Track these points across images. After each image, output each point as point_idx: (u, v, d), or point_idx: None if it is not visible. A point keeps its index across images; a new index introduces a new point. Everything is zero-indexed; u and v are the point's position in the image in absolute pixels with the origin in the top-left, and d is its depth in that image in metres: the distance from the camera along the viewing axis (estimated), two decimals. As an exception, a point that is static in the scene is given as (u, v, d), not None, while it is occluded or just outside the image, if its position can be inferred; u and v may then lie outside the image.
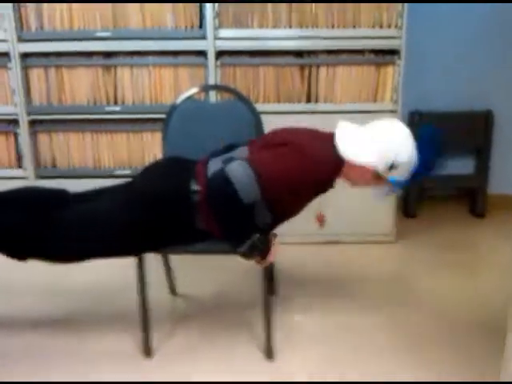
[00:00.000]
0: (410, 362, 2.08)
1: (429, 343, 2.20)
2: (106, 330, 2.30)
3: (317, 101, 3.00)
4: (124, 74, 2.94)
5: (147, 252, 2.05)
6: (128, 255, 2.03)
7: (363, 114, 2.91)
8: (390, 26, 2.91)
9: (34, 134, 3.00)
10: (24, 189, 2.14)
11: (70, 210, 1.97)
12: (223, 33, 2.88)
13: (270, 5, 2.86)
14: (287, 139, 1.95)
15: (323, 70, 2.97)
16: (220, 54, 2.90)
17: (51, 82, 2.95)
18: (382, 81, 2.99)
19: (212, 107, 2.60)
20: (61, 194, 2.04)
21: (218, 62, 2.91)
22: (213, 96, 2.89)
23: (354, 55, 2.95)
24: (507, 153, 3.65)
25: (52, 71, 2.93)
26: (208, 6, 2.82)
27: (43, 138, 3.02)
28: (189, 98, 2.39)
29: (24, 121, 2.96)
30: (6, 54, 2.88)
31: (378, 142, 1.90)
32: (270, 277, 2.22)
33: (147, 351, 2.12)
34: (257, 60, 2.94)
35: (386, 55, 2.95)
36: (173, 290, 2.58)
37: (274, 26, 2.90)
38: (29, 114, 2.96)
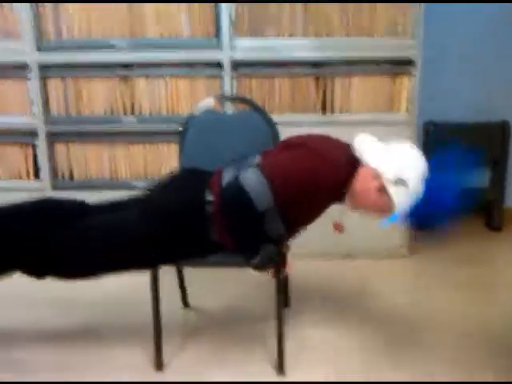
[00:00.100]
0: (423, 378, 2.06)
1: (442, 360, 2.17)
2: (118, 342, 2.30)
3: (332, 111, 3.00)
4: (141, 85, 2.97)
5: (162, 264, 2.05)
6: (143, 268, 2.03)
7: (378, 125, 2.91)
8: (405, 36, 2.90)
9: (51, 145, 3.02)
10: (44, 199, 2.16)
11: (90, 218, 1.99)
12: (239, 43, 2.89)
13: (285, 14, 2.87)
14: (298, 143, 1.96)
15: (338, 81, 2.97)
16: (236, 64, 2.91)
17: (69, 93, 2.97)
18: (398, 91, 2.99)
19: (229, 118, 2.61)
20: (80, 206, 2.06)
21: (234, 73, 2.92)
22: (229, 107, 2.89)
23: (369, 65, 2.95)
24: (524, 165, 3.61)
25: (70, 82, 2.96)
26: (224, 15, 2.83)
27: (60, 149, 3.04)
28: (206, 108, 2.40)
29: (42, 132, 2.98)
30: (24, 65, 2.91)
31: (395, 153, 1.90)
32: (283, 290, 2.21)
33: (159, 365, 2.12)
34: (272, 70, 2.95)
35: (402, 65, 2.95)
36: (185, 303, 2.58)
37: (290, 36, 2.91)
38: (47, 124, 2.98)
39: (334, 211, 2.01)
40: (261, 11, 2.87)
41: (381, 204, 1.89)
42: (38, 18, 2.88)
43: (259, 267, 1.88)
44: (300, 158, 1.89)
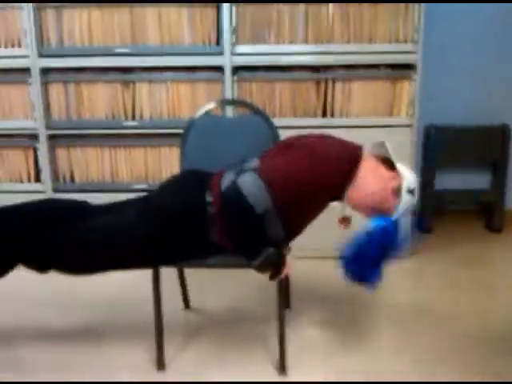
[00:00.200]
0: (424, 377, 2.06)
1: (442, 361, 2.17)
2: (119, 342, 2.30)
3: (333, 115, 3.01)
4: (142, 90, 2.98)
5: (162, 265, 2.06)
6: (143, 267, 2.04)
7: (379, 129, 2.93)
8: (406, 41, 2.93)
9: (52, 149, 3.04)
10: (45, 200, 2.17)
11: (91, 219, 1.99)
12: (240, 48, 2.91)
13: (286, 20, 2.89)
14: (297, 143, 1.98)
15: (339, 85, 2.99)
16: (237, 69, 2.93)
17: (70, 97, 2.99)
18: (398, 95, 3.01)
19: (230, 122, 2.63)
20: (81, 205, 2.07)
21: (235, 78, 2.94)
22: (229, 111, 2.91)
23: (369, 70, 2.97)
24: (524, 167, 3.63)
25: (71, 86, 2.98)
26: (225, 21, 2.86)
27: (62, 153, 3.06)
28: (206, 112, 2.42)
29: (43, 135, 3.00)
30: (26, 70, 2.93)
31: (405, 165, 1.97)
32: (284, 291, 2.22)
33: (160, 364, 2.12)
34: (273, 75, 2.97)
35: (402, 70, 2.96)
36: (187, 304, 2.59)
37: (291, 42, 2.93)
38: (48, 128, 3.00)
39: (336, 208, 2.02)
40: (262, 17, 2.90)
41: (387, 202, 1.93)
42: (39, 24, 2.90)
43: (260, 269, 1.89)
44: (299, 158, 1.90)
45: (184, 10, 2.89)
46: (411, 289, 2.81)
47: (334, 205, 2.00)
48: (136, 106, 3.00)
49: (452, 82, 3.50)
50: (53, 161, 3.05)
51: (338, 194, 1.94)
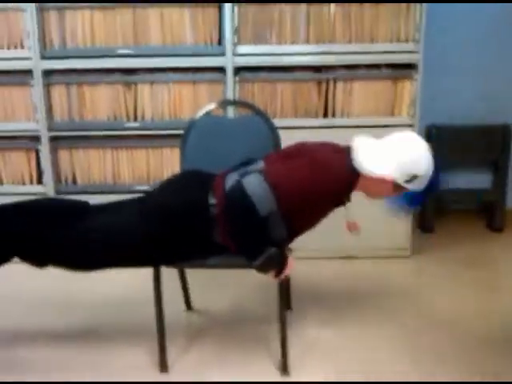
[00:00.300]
0: (424, 377, 2.07)
1: (443, 360, 2.18)
2: (121, 343, 2.31)
3: (334, 115, 3.01)
4: (144, 91, 2.99)
5: (163, 264, 2.07)
6: (144, 266, 2.05)
7: (380, 128, 2.92)
8: (407, 41, 2.93)
9: (54, 151, 3.04)
10: (45, 199, 2.18)
11: (91, 219, 2.00)
12: (242, 49, 2.91)
13: (288, 20, 2.90)
14: (302, 151, 1.98)
15: (340, 85, 2.99)
16: (238, 69, 2.94)
17: (72, 99, 3.00)
18: (400, 95, 3.01)
19: (230, 123, 2.63)
20: (82, 205, 2.07)
21: (237, 78, 2.94)
22: (231, 112, 2.91)
23: (371, 70, 2.97)
24: (525, 167, 3.63)
25: (73, 88, 2.99)
26: (227, 22, 2.86)
27: (64, 155, 3.07)
28: (207, 113, 2.42)
29: (45, 137, 3.01)
30: (28, 72, 2.94)
31: (397, 153, 1.90)
32: (286, 291, 2.22)
33: (163, 366, 2.13)
34: (274, 75, 2.97)
35: (403, 69, 2.97)
36: (188, 305, 2.59)
37: (292, 42, 2.93)
38: (50, 130, 3.00)
39: (343, 211, 2.02)
40: (263, 17, 2.90)
41: (399, 191, 1.94)
42: (42, 26, 2.91)
43: (261, 269, 1.89)
44: (302, 167, 1.91)
45: (186, 11, 2.90)
46: (412, 288, 2.81)
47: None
48: (138, 108, 3.01)
49: (453, 81, 3.49)
50: (55, 162, 3.06)
51: (340, 200, 1.96)
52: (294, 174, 1.90)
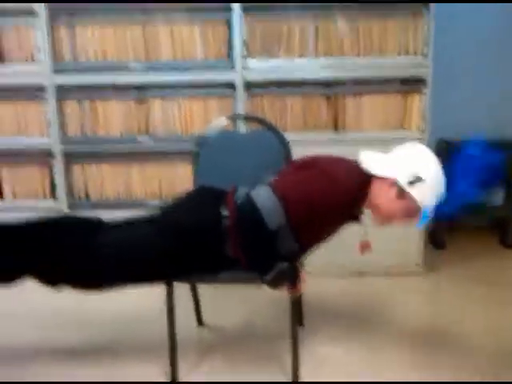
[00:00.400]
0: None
1: (457, 377, 2.15)
2: (132, 359, 2.31)
3: (344, 129, 3.02)
4: (155, 106, 3.02)
5: (175, 280, 2.07)
6: (156, 282, 2.05)
7: (390, 143, 2.91)
8: (415, 55, 2.94)
9: (67, 165, 3.07)
10: (59, 217, 2.19)
11: (104, 235, 2.01)
12: (251, 63, 2.94)
13: (297, 34, 2.92)
14: (310, 164, 2.00)
15: (350, 100, 3.00)
16: (248, 85, 2.96)
17: (85, 115, 3.03)
18: (409, 109, 3.01)
19: (242, 137, 2.64)
20: (95, 222, 2.09)
21: (246, 93, 2.96)
22: (241, 127, 2.93)
23: (380, 84, 2.98)
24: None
25: (86, 104, 3.02)
26: (236, 36, 2.89)
27: (77, 169, 3.09)
28: (219, 128, 2.43)
29: (58, 152, 3.04)
30: (42, 87, 2.97)
31: (404, 156, 1.93)
32: (298, 307, 2.21)
33: (174, 381, 2.12)
34: (284, 90, 2.99)
35: (413, 84, 2.97)
36: (200, 321, 2.59)
37: (301, 56, 2.95)
38: (63, 145, 3.03)
39: (356, 229, 2.01)
40: (272, 32, 2.92)
41: (406, 208, 1.91)
42: (54, 41, 2.95)
43: (273, 284, 1.89)
44: (311, 178, 1.92)
45: (196, 27, 2.93)
46: (424, 306, 2.80)
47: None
48: (150, 123, 3.03)
49: (463, 95, 3.50)
50: (68, 177, 3.08)
51: (351, 214, 1.96)
52: (304, 186, 1.91)
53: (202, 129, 2.82)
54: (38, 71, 2.96)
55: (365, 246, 2.08)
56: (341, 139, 2.98)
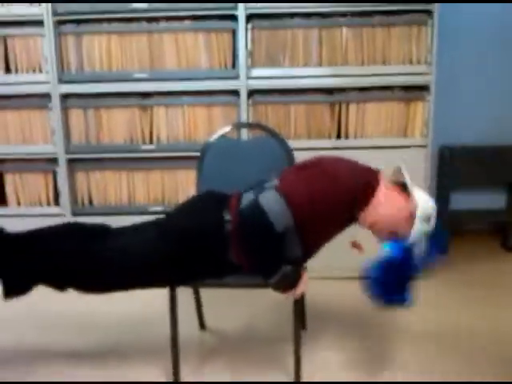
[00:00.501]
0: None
1: (456, 380, 2.16)
2: (136, 362, 2.32)
3: (347, 137, 3.03)
4: (159, 114, 3.03)
5: (179, 284, 2.08)
6: (159, 286, 2.06)
7: (393, 150, 2.94)
8: (419, 63, 2.95)
9: (71, 173, 3.08)
10: (66, 224, 2.21)
11: (109, 240, 2.03)
12: (255, 72, 2.95)
13: (301, 43, 2.94)
14: (313, 164, 2.01)
15: (353, 107, 3.01)
16: (252, 92, 2.98)
17: (90, 122, 3.04)
18: (412, 116, 3.02)
19: (245, 145, 2.66)
20: (102, 228, 2.10)
21: (250, 101, 2.98)
22: (245, 134, 2.94)
23: (383, 92, 2.99)
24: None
25: (91, 112, 3.04)
26: (241, 45, 2.90)
27: (80, 176, 3.11)
28: (222, 136, 2.46)
29: (62, 160, 3.05)
30: (47, 95, 3.00)
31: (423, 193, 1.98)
32: (300, 311, 2.22)
33: (176, 383, 2.14)
34: (288, 98, 3.01)
35: (416, 91, 2.99)
36: (202, 324, 2.60)
37: (305, 65, 2.97)
38: (67, 153, 3.05)
39: (350, 230, 2.03)
40: (276, 41, 2.94)
41: (402, 227, 1.93)
42: (60, 50, 2.97)
43: (277, 287, 1.90)
44: (312, 178, 1.93)
45: (200, 36, 2.95)
46: (427, 310, 2.79)
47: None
48: (153, 130, 3.05)
49: (466, 102, 3.51)
50: (72, 184, 3.09)
51: (351, 214, 1.97)
52: (307, 186, 1.92)
53: (206, 136, 2.83)
54: (43, 80, 2.98)
55: (355, 246, 2.08)
56: (344, 146, 2.98)
